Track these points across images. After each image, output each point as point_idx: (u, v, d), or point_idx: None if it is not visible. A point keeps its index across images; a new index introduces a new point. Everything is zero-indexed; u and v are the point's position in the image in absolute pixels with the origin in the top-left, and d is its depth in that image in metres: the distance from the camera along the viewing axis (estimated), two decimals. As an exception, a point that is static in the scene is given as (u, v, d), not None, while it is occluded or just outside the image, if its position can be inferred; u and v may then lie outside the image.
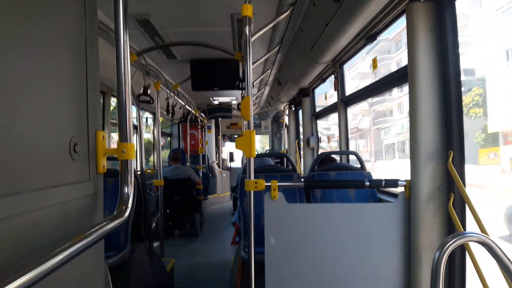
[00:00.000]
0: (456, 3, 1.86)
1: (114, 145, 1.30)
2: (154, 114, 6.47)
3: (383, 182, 2.06)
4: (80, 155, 1.13)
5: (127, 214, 1.19)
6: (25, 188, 0.87)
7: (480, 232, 1.45)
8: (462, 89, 1.88)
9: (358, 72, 30.32)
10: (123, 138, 1.25)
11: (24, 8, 0.91)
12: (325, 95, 4.93)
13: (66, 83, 1.10)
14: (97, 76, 1.29)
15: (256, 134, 10.34)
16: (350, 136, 3.72)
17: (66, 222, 1.05)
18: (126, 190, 1.23)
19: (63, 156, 1.06)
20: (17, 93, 0.87)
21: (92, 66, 1.23)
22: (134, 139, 6.05)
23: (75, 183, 1.11)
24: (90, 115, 1.21)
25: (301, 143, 5.47)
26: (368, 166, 3.55)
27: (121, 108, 1.25)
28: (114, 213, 1.17)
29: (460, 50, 1.84)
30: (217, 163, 9.71)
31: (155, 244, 4.38)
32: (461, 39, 1.93)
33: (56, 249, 0.83)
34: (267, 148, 10.84)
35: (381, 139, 30.18)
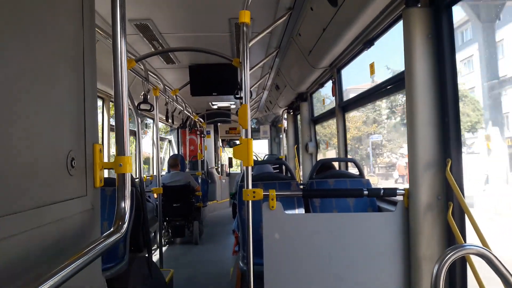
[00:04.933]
0: (453, 8, 1.85)
1: (112, 149, 1.28)
2: (152, 119, 6.46)
3: (382, 191, 2.04)
4: (77, 169, 1.11)
5: (124, 229, 1.17)
6: (21, 207, 0.84)
7: (479, 244, 1.43)
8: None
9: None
10: (120, 151, 1.23)
11: (18, 17, 0.87)
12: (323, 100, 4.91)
13: (63, 95, 1.07)
14: (95, 86, 1.27)
15: (255, 139, 10.33)
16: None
17: (63, 239, 1.02)
18: (123, 205, 1.21)
19: (60, 172, 1.03)
20: (13, 108, 0.84)
21: (90, 76, 1.21)
22: (133, 145, 6.03)
23: (72, 199, 1.08)
24: (87, 128, 1.18)
25: (300, 148, 5.45)
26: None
27: (118, 121, 1.24)
28: (111, 229, 1.15)
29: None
30: (216, 169, 9.67)
31: (154, 253, 4.35)
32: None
33: (54, 269, 0.81)
34: (266, 153, 10.80)
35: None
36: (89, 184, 1.18)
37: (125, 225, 1.18)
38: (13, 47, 0.85)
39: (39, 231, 0.91)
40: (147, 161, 7.67)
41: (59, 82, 1.05)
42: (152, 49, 3.91)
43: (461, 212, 1.74)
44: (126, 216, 1.19)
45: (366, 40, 2.80)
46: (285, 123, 6.71)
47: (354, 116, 13.74)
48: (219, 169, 10.05)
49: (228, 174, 10.34)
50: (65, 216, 1.04)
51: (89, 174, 1.18)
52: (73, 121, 1.12)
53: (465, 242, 1.70)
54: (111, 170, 1.30)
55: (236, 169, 11.23)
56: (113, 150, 4.63)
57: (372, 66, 2.76)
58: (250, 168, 2.01)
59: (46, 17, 0.99)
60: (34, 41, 0.93)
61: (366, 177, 2.88)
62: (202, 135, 8.03)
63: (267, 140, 10.78)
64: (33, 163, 0.91)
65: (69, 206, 1.06)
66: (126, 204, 1.21)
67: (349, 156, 4.20)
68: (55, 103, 1.02)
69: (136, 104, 3.24)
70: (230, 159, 10.49)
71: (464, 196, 1.69)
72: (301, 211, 2.82)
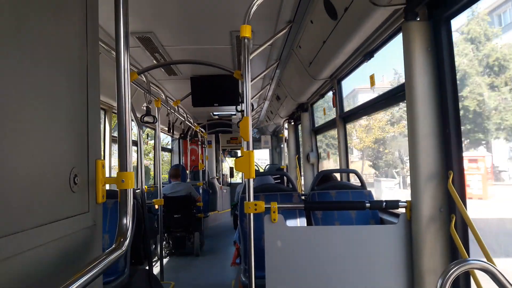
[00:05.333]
0: (452, 22, 1.87)
1: (113, 161, 1.27)
2: (154, 130, 6.48)
3: (384, 204, 2.03)
4: (79, 186, 1.10)
5: (125, 245, 1.16)
6: (23, 227, 0.83)
7: (483, 259, 1.41)
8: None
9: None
10: (123, 167, 1.23)
11: (22, 32, 0.86)
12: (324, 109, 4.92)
13: (67, 111, 1.06)
14: (98, 101, 1.26)
15: (256, 148, 10.30)
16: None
17: (65, 257, 1.01)
18: (125, 221, 1.20)
19: (63, 189, 1.02)
20: (16, 125, 0.83)
21: (93, 91, 1.20)
22: (134, 156, 6.04)
23: (75, 216, 1.07)
24: (90, 144, 1.18)
25: (301, 158, 5.44)
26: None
27: (121, 136, 1.23)
28: (113, 246, 1.14)
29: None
30: (217, 179, 9.65)
31: (155, 265, 4.31)
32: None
33: None
34: (267, 161, 10.77)
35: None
36: (91, 200, 1.17)
37: (127, 242, 1.17)
38: (17, 63, 0.84)
39: (41, 249, 0.90)
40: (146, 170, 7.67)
41: (63, 98, 1.04)
42: (154, 61, 3.95)
43: (463, 225, 1.73)
44: (128, 232, 1.19)
45: (366, 52, 2.82)
46: (286, 133, 6.73)
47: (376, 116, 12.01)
48: (220, 179, 10.03)
49: (229, 184, 10.32)
50: (67, 233, 1.03)
51: (91, 190, 1.18)
52: (77, 138, 1.11)
53: (468, 255, 1.69)
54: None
55: (236, 177, 11.21)
56: (113, 162, 4.64)
57: (372, 78, 2.77)
58: (251, 180, 2.01)
59: (50, 32, 0.99)
60: (38, 57, 0.93)
61: (396, 191, 2.85)
62: (203, 145, 8.04)
63: (267, 150, 10.78)
64: (37, 181, 0.90)
65: (71, 223, 1.05)
66: (128, 220, 1.20)
67: (370, 163, 4.19)
68: (59, 119, 1.02)
69: (139, 116, 3.26)
70: (231, 169, 10.47)
71: (466, 209, 1.68)
72: (303, 220, 2.81)
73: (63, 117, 1.05)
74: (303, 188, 5.56)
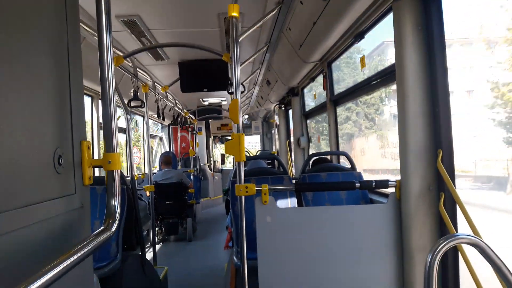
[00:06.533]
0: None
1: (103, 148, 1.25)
2: (143, 117, 6.39)
3: (373, 183, 2.05)
4: (64, 167, 1.08)
5: (114, 227, 1.16)
6: (7, 207, 0.82)
7: (471, 234, 1.44)
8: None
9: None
10: (109, 148, 1.21)
11: None
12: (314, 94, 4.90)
13: (48, 91, 1.04)
14: (81, 81, 1.24)
15: (246, 135, 10.31)
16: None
17: (52, 239, 1.00)
18: (113, 203, 1.19)
19: (47, 170, 1.01)
20: None
21: (75, 72, 1.18)
22: (124, 143, 5.96)
23: (61, 197, 1.06)
24: (74, 124, 1.16)
25: (292, 143, 5.45)
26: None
27: (106, 117, 1.21)
28: (102, 227, 1.13)
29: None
30: (208, 166, 9.64)
31: (148, 251, 4.32)
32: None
33: (43, 268, 0.79)
34: (258, 149, 10.79)
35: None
36: (77, 182, 1.16)
37: (116, 223, 1.16)
38: None
39: (26, 230, 0.89)
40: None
41: (43, 79, 1.02)
42: (141, 46, 3.86)
43: (452, 202, 1.76)
44: (117, 214, 1.17)
45: (357, 33, 2.79)
46: (276, 118, 6.71)
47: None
48: (212, 166, 10.02)
49: (221, 171, 10.32)
50: (53, 215, 1.02)
51: (77, 172, 1.16)
52: (59, 118, 1.09)
53: (457, 232, 1.72)
54: (102, 169, 1.27)
55: (227, 163, 11.21)
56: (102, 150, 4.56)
57: (363, 59, 2.76)
58: (242, 163, 2.00)
59: (27, 12, 0.96)
60: (16, 38, 0.90)
61: None
62: (194, 132, 7.99)
63: (259, 136, 10.77)
64: (19, 161, 0.89)
65: (57, 205, 1.04)
66: (116, 202, 1.19)
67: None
68: (39, 100, 1.00)
69: (126, 102, 3.20)
70: (222, 156, 10.45)
71: (455, 187, 1.70)
72: (294, 201, 2.83)
73: (44, 97, 1.02)
74: (293, 172, 5.59)
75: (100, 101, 4.45)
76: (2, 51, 0.85)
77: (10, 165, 0.85)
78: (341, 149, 3.86)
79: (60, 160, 1.05)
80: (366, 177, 3.31)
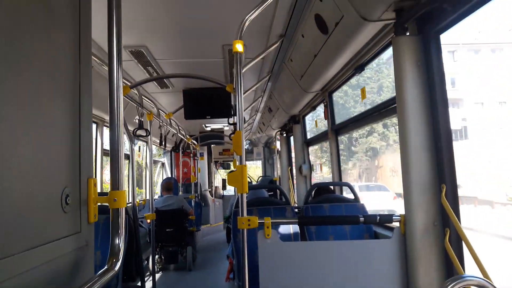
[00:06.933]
0: (441, 37, 1.90)
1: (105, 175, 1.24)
2: (146, 143, 6.42)
3: (378, 218, 2.02)
4: (71, 206, 1.07)
5: (118, 266, 1.14)
6: (14, 250, 0.80)
7: (479, 275, 1.41)
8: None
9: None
10: (115, 185, 1.20)
11: (14, 47, 0.84)
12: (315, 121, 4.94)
13: (60, 129, 1.03)
14: (91, 119, 1.24)
15: (248, 160, 10.23)
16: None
17: (57, 278, 0.98)
18: (117, 242, 1.18)
19: (55, 210, 0.99)
20: (6, 144, 0.80)
21: (86, 108, 1.18)
22: (126, 170, 5.95)
23: (67, 236, 1.04)
24: (82, 162, 1.15)
25: (294, 169, 5.43)
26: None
27: (114, 153, 1.21)
28: (106, 267, 1.11)
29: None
30: (209, 191, 9.56)
31: (147, 280, 4.21)
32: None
33: None
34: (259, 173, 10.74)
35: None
36: (83, 220, 1.14)
37: (119, 262, 1.14)
38: (8, 79, 0.82)
39: (32, 272, 0.87)
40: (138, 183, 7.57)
41: (55, 114, 1.02)
42: (147, 75, 3.94)
43: (458, 239, 1.73)
44: (121, 253, 1.16)
45: (357, 65, 2.85)
46: (278, 144, 6.73)
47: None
48: (213, 192, 9.94)
49: (222, 197, 10.23)
50: (59, 255, 0.99)
51: (83, 210, 1.14)
52: (69, 156, 1.08)
53: (463, 269, 1.68)
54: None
55: (228, 189, 11.13)
56: (105, 175, 4.57)
57: (363, 91, 2.80)
58: (244, 195, 1.99)
59: (42, 47, 0.97)
60: (30, 73, 0.90)
61: None
62: (196, 157, 7.99)
63: (260, 161, 10.75)
64: (28, 202, 0.87)
65: (63, 245, 1.02)
66: (121, 240, 1.17)
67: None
68: (51, 137, 1.00)
69: (131, 130, 3.23)
70: (223, 181, 10.39)
71: (460, 222, 1.68)
72: (296, 227, 2.78)
73: (56, 135, 1.02)
74: (296, 200, 5.53)
75: (104, 128, 4.50)
76: (15, 87, 0.85)
77: (19, 206, 0.84)
78: (364, 167, 3.85)
79: (68, 200, 1.04)
80: (399, 202, 3.27)
